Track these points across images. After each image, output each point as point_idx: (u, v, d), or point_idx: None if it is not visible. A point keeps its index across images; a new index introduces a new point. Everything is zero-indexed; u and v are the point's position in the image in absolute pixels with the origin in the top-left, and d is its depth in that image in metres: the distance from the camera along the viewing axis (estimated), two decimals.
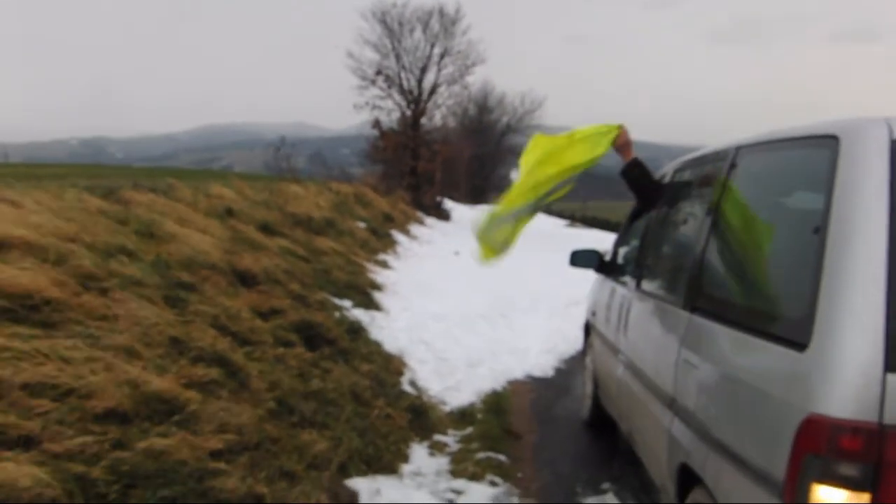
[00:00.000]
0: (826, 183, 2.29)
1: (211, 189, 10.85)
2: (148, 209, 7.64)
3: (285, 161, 21.06)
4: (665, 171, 4.65)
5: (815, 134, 2.55)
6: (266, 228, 9.71)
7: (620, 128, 4.10)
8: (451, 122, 40.60)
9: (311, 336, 6.01)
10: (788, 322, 2.30)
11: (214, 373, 4.36)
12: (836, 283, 2.10)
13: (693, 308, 3.14)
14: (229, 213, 9.58)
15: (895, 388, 1.93)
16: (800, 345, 2.14)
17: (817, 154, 2.43)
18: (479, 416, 6.00)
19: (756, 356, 2.46)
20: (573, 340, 8.07)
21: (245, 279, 6.75)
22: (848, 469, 1.96)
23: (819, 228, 2.23)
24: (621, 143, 4.11)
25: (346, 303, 7.98)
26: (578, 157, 4.03)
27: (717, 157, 3.54)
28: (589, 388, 5.90)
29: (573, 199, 72.58)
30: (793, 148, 2.78)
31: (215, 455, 3.59)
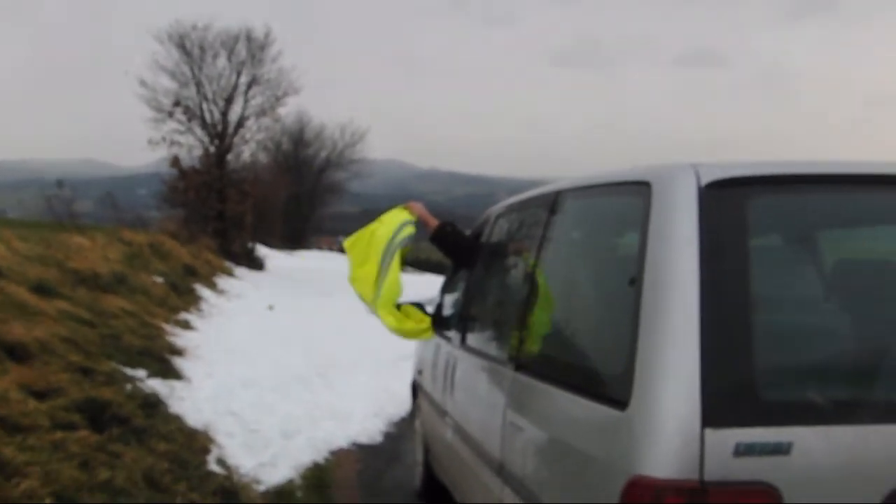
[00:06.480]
0: (640, 232, 2.41)
1: None
2: None
3: (65, 206, 19.95)
4: (488, 214, 4.78)
5: (629, 180, 2.70)
6: (41, 289, 9.21)
7: (409, 209, 4.88)
8: (263, 159, 40.22)
9: (98, 415, 5.71)
10: (610, 379, 2.43)
11: None
12: (651, 336, 2.22)
13: (518, 366, 3.23)
14: None
15: (713, 443, 2.06)
16: (620, 403, 2.25)
17: (631, 201, 2.57)
18: (299, 493, 5.90)
19: (580, 417, 2.55)
20: (403, 400, 8.04)
21: (14, 352, 6.34)
22: None
23: (634, 280, 2.36)
24: (418, 215, 4.61)
25: (141, 373, 7.64)
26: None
27: (538, 201, 3.65)
28: (420, 455, 5.94)
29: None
30: (609, 194, 2.94)
31: None
